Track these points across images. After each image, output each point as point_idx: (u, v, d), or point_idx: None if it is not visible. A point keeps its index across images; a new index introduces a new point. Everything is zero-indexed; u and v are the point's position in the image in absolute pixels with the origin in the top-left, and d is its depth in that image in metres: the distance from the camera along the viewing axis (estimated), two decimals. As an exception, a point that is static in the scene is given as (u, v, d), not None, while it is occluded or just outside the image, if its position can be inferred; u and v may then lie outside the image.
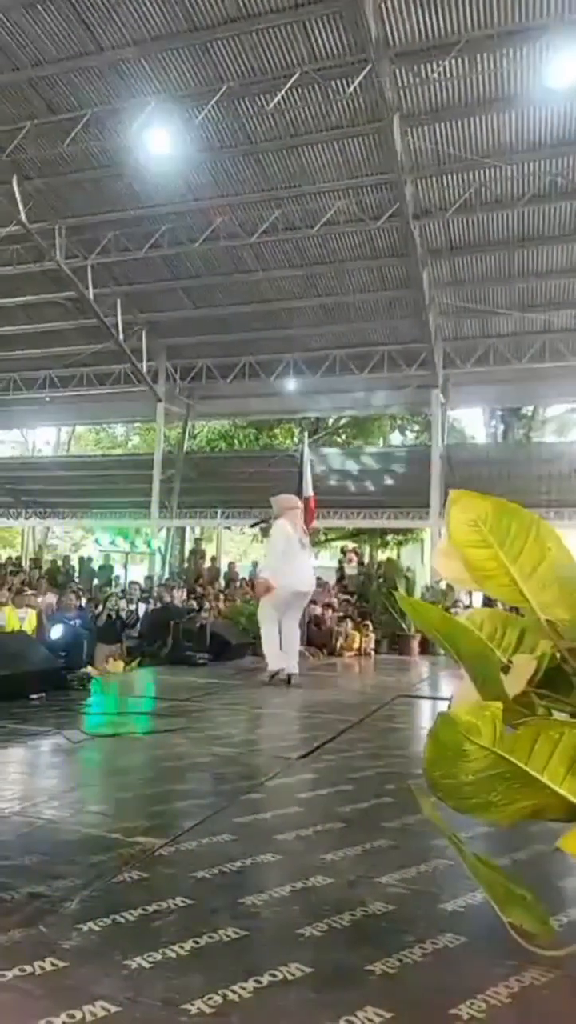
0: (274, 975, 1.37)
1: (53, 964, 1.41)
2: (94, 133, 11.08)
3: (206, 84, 10.08)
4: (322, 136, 10.89)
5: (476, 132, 10.47)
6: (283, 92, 9.71)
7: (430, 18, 8.89)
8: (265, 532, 6.91)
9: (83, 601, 11.02)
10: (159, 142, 10.67)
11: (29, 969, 1.39)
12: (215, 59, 9.84)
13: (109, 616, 10.37)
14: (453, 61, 9.19)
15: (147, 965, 1.41)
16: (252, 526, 8.16)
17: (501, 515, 1.47)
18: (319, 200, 12.19)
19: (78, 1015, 1.24)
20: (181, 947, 1.48)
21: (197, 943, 1.50)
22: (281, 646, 6.09)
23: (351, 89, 9.53)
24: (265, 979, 1.36)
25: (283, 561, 6.10)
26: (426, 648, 10.27)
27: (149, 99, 10.29)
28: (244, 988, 1.33)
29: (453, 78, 9.60)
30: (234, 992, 1.32)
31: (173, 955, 1.45)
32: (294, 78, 9.58)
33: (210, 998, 1.29)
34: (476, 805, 1.00)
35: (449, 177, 11.44)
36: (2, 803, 2.55)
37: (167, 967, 1.41)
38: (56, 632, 9.07)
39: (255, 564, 13.56)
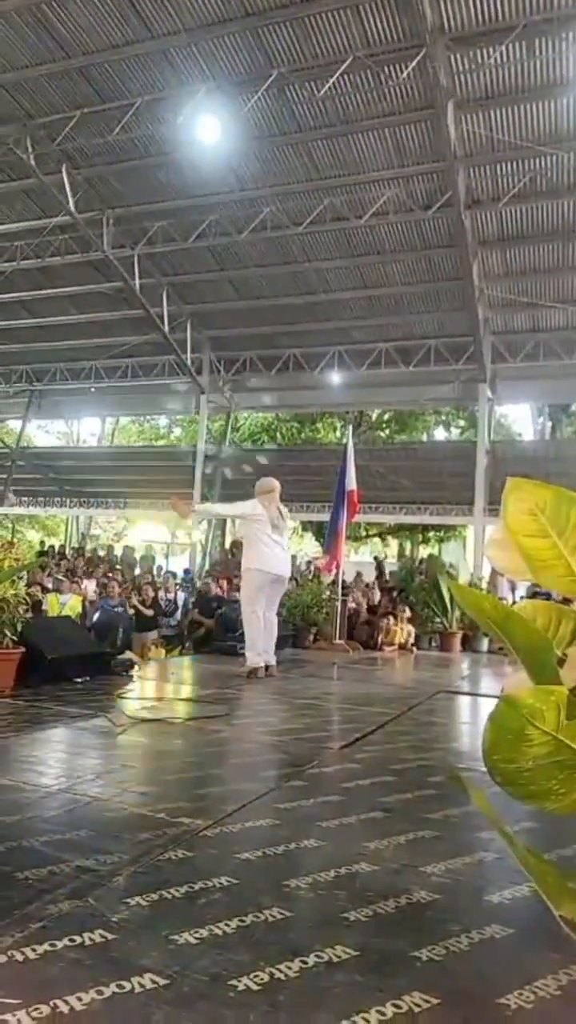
0: (320, 956, 1.38)
1: (102, 936, 1.44)
2: (143, 122, 11.13)
3: (256, 71, 10.04)
4: (374, 123, 10.74)
5: (532, 118, 10.21)
6: (335, 78, 9.61)
7: (487, 1, 8.69)
8: None
9: (125, 589, 11.20)
10: (208, 130, 10.67)
11: (79, 940, 1.42)
12: (266, 45, 9.79)
13: (148, 604, 10.53)
14: (510, 46, 8.97)
15: (194, 941, 1.43)
16: None
17: (560, 503, 1.43)
18: (368, 190, 12.07)
19: (127, 986, 1.26)
20: (227, 925, 1.50)
21: (243, 922, 1.51)
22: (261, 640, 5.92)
23: (404, 75, 9.39)
24: (311, 960, 1.36)
25: (254, 544, 5.98)
26: (468, 644, 10.16)
27: (199, 86, 10.30)
28: (290, 967, 1.34)
29: (510, 63, 9.37)
30: (280, 971, 1.32)
31: (219, 932, 1.47)
32: (346, 64, 9.47)
33: (256, 976, 1.30)
34: (535, 792, 0.98)
35: (503, 165, 11.18)
36: (49, 780, 2.62)
37: (213, 944, 1.43)
38: (99, 618, 9.26)
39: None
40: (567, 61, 9.25)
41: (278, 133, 11.25)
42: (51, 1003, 1.20)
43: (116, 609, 9.70)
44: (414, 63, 9.14)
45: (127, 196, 13.20)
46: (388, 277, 14.12)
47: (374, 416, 23.27)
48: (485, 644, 9.97)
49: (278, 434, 22.82)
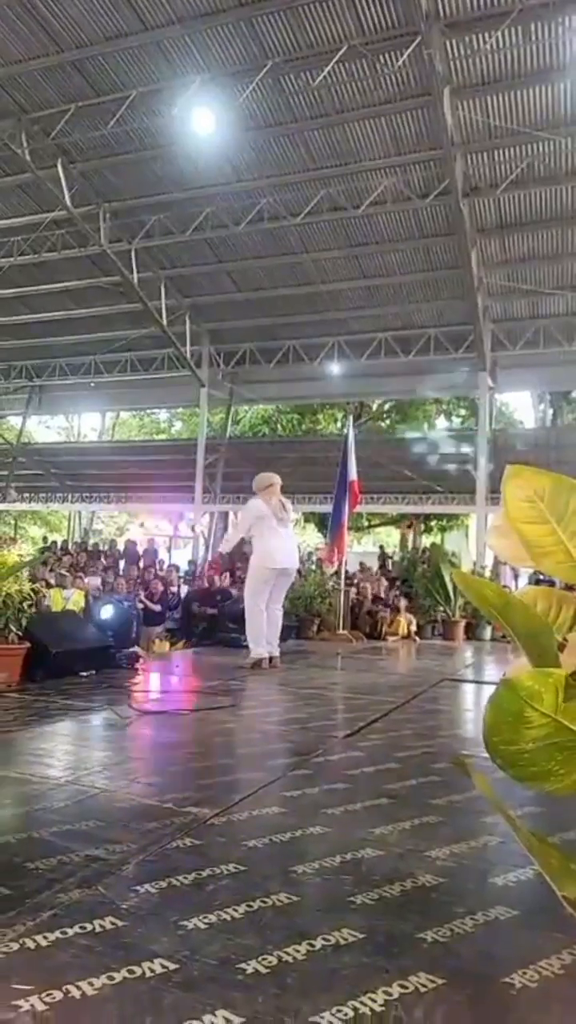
0: (327, 939, 1.40)
1: (112, 923, 1.46)
2: (138, 114, 11.06)
3: (251, 61, 9.97)
4: (369, 112, 10.68)
5: (529, 104, 10.14)
6: (330, 67, 9.55)
7: (482, -13, 8.63)
8: None
9: (131, 583, 11.24)
10: (203, 121, 10.61)
11: (89, 927, 1.44)
12: (260, 35, 9.72)
13: (156, 599, 10.56)
14: (506, 31, 8.89)
15: (203, 926, 1.46)
16: None
17: (559, 490, 1.44)
18: (366, 179, 12.01)
19: (137, 971, 1.29)
20: (235, 910, 1.52)
21: (250, 907, 1.53)
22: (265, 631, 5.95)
23: (400, 62, 9.33)
24: (318, 943, 1.39)
25: (259, 539, 6.03)
26: (471, 633, 10.19)
27: (193, 78, 10.23)
28: (298, 950, 1.36)
29: (506, 48, 9.29)
30: (288, 954, 1.35)
31: (228, 917, 1.49)
32: (341, 52, 9.40)
33: (265, 959, 1.33)
34: (535, 773, 1.00)
35: (500, 152, 11.12)
36: (57, 772, 2.64)
37: (222, 928, 1.45)
38: (105, 612, 9.29)
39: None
40: (564, 46, 9.18)
41: (274, 123, 11.19)
42: (63, 988, 1.22)
43: (123, 603, 9.73)
44: (409, 50, 9.07)
45: (123, 189, 13.15)
46: (386, 267, 14.08)
47: (375, 406, 23.23)
48: (488, 632, 9.99)
49: (279, 426, 22.82)
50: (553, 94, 9.96)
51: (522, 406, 23.85)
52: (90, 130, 11.54)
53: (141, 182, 12.89)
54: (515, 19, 8.70)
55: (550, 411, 21.51)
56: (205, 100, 10.37)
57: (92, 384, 19.53)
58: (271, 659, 5.90)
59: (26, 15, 9.89)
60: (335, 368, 16.71)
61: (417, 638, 9.70)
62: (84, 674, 5.07)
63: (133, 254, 13.89)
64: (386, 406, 23.28)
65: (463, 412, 22.65)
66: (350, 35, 9.38)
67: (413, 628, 9.74)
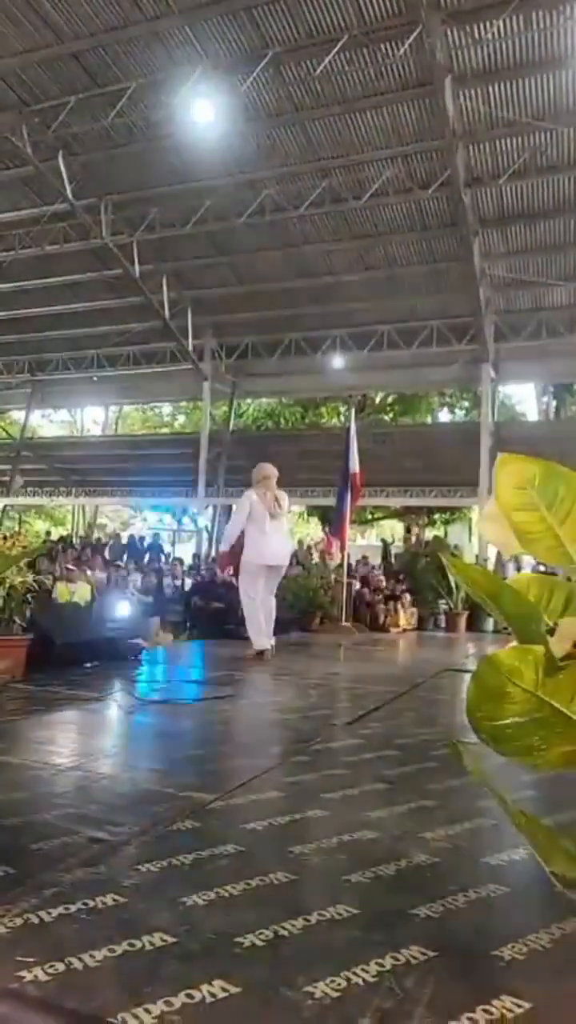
0: (322, 915, 1.44)
1: (114, 899, 1.50)
2: (139, 106, 11.05)
3: (252, 51, 9.95)
4: (371, 102, 10.66)
5: (531, 94, 10.10)
6: (331, 57, 9.53)
7: (483, -25, 8.60)
8: None
9: (134, 577, 11.31)
10: (204, 112, 10.59)
11: (92, 903, 1.48)
12: (261, 24, 9.70)
13: (149, 592, 10.63)
14: (507, 20, 8.86)
15: (202, 902, 1.49)
16: None
17: (549, 477, 1.47)
18: (367, 170, 11.98)
19: (138, 944, 1.32)
20: (234, 887, 1.56)
21: (249, 884, 1.57)
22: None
23: (401, 52, 9.30)
24: (314, 918, 1.43)
25: (252, 535, 5.97)
26: (473, 625, 10.23)
27: (194, 68, 10.21)
28: (294, 925, 1.40)
29: (507, 37, 9.26)
30: (284, 928, 1.38)
31: (226, 894, 1.53)
32: (342, 42, 9.38)
33: (261, 933, 1.37)
34: (517, 748, 1.03)
35: (502, 142, 11.09)
36: (61, 759, 2.69)
37: (220, 905, 1.49)
38: (110, 605, 9.35)
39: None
40: (566, 35, 9.14)
41: (275, 114, 11.18)
42: (65, 960, 1.26)
43: (128, 596, 9.80)
44: (410, 39, 9.05)
45: (124, 182, 13.14)
46: (388, 258, 14.06)
47: (377, 399, 23.21)
48: (490, 624, 10.03)
49: (281, 419, 22.81)
50: (555, 84, 9.92)
51: (525, 398, 23.82)
52: (91, 122, 11.53)
53: (142, 174, 12.87)
54: (516, 8, 8.67)
55: (553, 403, 21.47)
56: (205, 91, 10.35)
57: (94, 378, 19.55)
58: (264, 651, 5.95)
59: (25, 7, 9.89)
60: (338, 361, 16.70)
61: (419, 629, 9.75)
62: (88, 665, 5.12)
63: (135, 247, 13.89)
64: (389, 399, 23.26)
65: (466, 404, 22.61)
66: (351, 25, 9.35)
67: (414, 621, 9.79)
